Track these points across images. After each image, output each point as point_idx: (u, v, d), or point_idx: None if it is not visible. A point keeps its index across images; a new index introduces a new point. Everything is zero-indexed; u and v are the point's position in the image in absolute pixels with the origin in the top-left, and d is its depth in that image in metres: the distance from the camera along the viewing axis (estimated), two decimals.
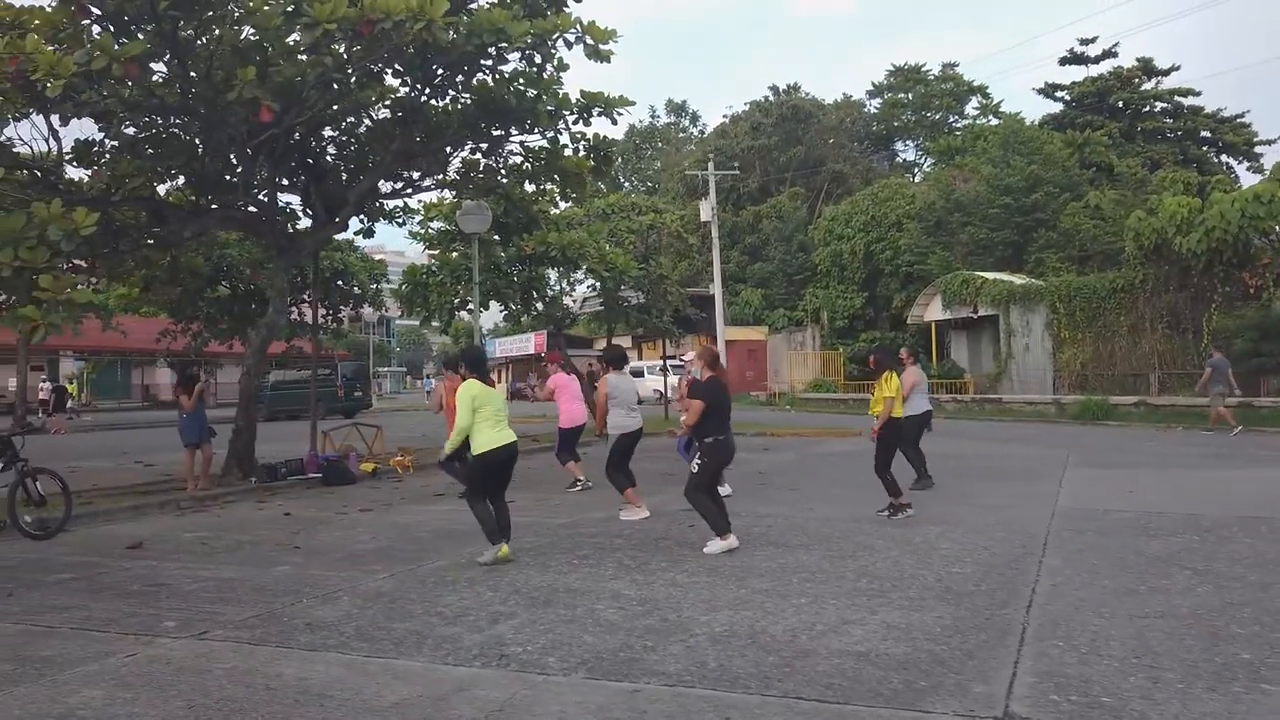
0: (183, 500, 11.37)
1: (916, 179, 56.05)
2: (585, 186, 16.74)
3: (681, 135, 72.83)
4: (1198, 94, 56.75)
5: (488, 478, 7.41)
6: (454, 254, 21.68)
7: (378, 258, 43.77)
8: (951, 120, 62.68)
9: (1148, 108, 56.75)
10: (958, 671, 4.30)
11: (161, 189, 13.47)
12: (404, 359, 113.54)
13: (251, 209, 13.34)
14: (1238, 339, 25.46)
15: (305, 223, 15.01)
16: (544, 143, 14.67)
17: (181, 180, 13.58)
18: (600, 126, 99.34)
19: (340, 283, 26.03)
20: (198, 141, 12.20)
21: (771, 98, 57.77)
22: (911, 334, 42.33)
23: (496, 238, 19.33)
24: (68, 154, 11.96)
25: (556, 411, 11.92)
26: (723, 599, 5.88)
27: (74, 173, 12.43)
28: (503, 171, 15.90)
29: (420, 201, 18.00)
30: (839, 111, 59.17)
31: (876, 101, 62.59)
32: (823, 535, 8.15)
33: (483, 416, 7.29)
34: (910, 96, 62.02)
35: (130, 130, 12.13)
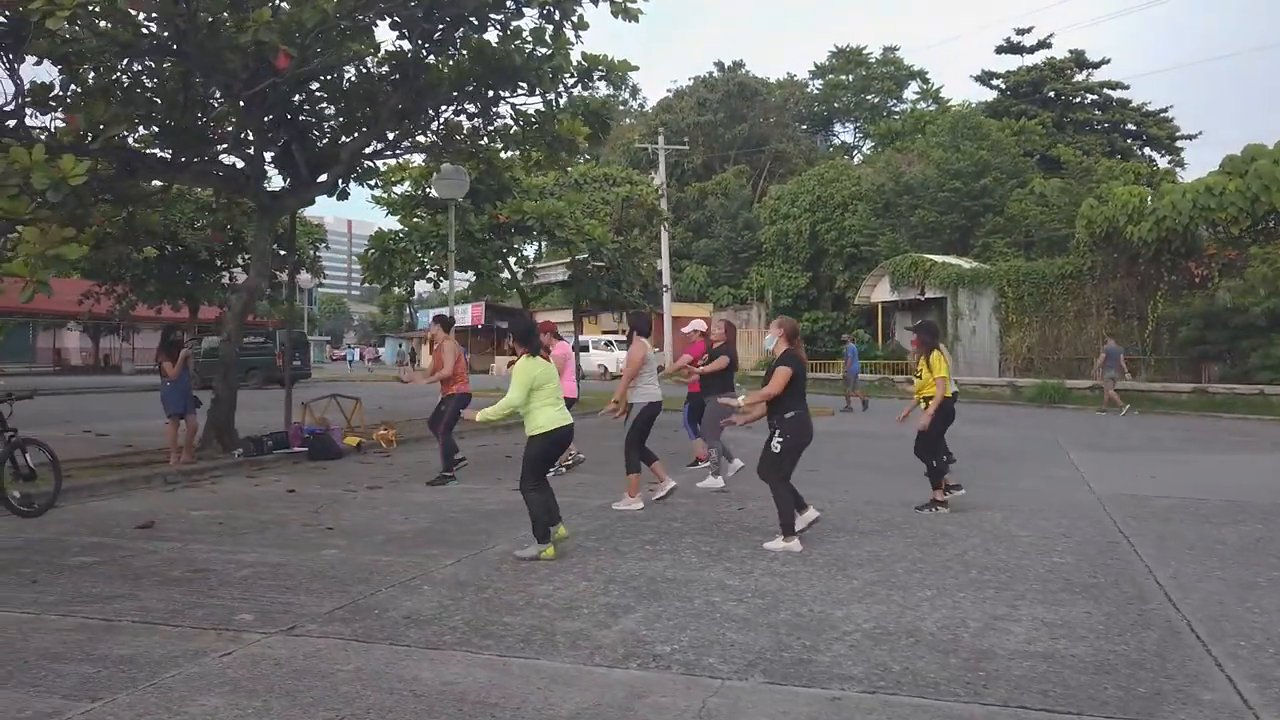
0: (169, 474, 10.59)
1: (856, 161, 56.52)
2: (576, 153, 16.21)
3: (621, 108, 72.07)
4: (1126, 88, 58.31)
5: (546, 458, 6.96)
6: (416, 219, 20.86)
7: (315, 223, 42.24)
8: (891, 104, 63.37)
9: (1079, 99, 58.17)
10: (1165, 676, 4.08)
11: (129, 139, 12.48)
12: (325, 328, 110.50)
13: (236, 164, 12.45)
14: (1183, 327, 26.28)
15: (278, 182, 14.16)
16: (540, 106, 14.10)
17: (148, 130, 12.59)
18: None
19: (276, 246, 24.93)
20: (180, 88, 11.28)
21: (717, 74, 57.47)
22: (853, 314, 42.84)
23: (470, 204, 18.62)
24: (26, 98, 10.93)
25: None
26: (842, 591, 5.59)
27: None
28: (486, 135, 15.27)
29: (384, 164, 17.15)
30: (782, 91, 59.23)
31: (818, 82, 62.86)
32: (887, 520, 7.94)
33: (543, 396, 6.79)
34: (851, 79, 62.45)
35: (92, 76, 11.13)
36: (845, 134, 65.29)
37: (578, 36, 11.96)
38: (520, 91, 13.56)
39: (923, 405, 8.90)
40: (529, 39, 12.18)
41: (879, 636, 4.68)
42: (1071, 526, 7.59)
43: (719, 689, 3.98)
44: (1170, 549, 6.71)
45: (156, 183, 13.01)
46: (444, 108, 13.62)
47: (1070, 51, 58.85)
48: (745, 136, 54.54)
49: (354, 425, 15.05)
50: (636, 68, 13.97)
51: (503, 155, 17.21)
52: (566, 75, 13.28)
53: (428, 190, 20.55)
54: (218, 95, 11.23)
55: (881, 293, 37.60)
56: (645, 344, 9.36)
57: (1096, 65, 58.54)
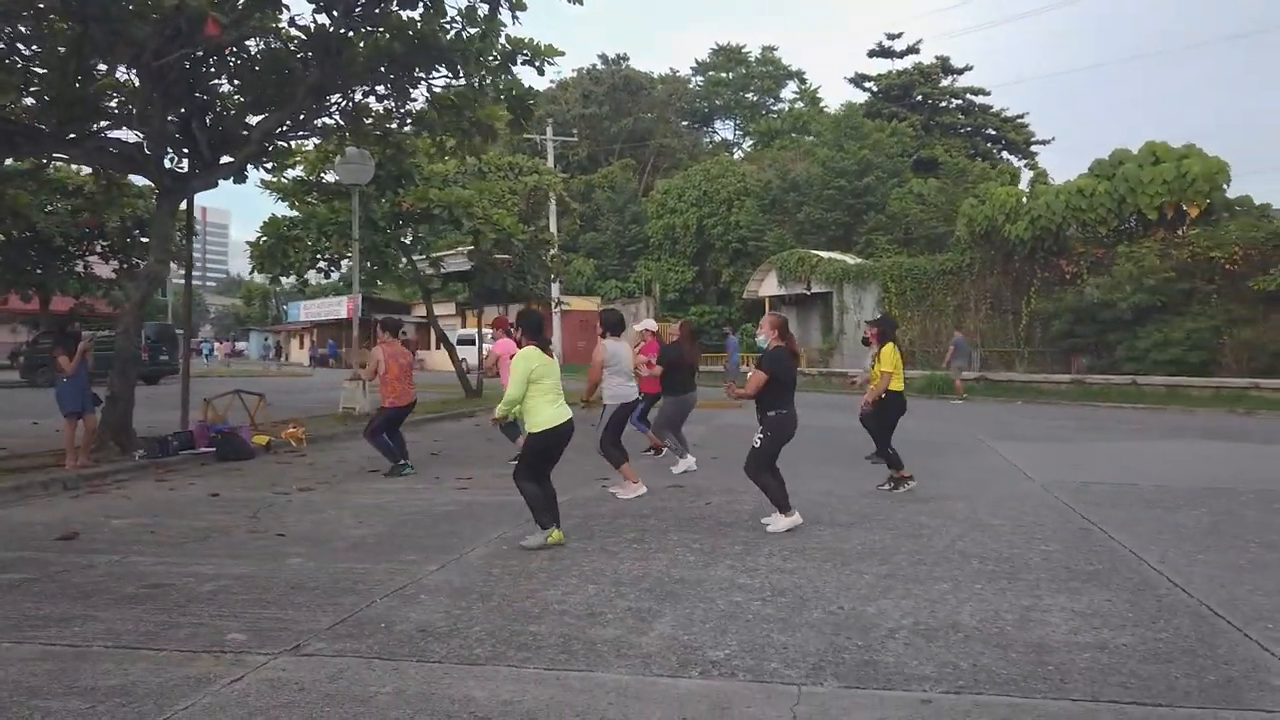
0: (68, 479, 9.67)
1: (736, 157, 57.41)
2: (494, 140, 15.73)
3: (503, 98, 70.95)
4: (987, 94, 61.18)
5: (546, 457, 6.66)
6: (309, 205, 19.84)
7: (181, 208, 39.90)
8: (769, 103, 64.66)
9: (945, 103, 60.76)
10: (1225, 662, 4.14)
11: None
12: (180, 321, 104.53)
13: (132, 139, 11.47)
14: (1055, 320, 27.72)
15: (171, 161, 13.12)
16: (460, 89, 13.59)
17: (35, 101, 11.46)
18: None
19: (139, 233, 23.31)
20: (73, 55, 10.27)
21: (601, 66, 57.26)
22: (739, 308, 43.51)
23: (374, 190, 17.86)
24: None
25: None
26: (859, 586, 5.50)
27: None
28: (398, 119, 14.64)
29: (297, 145, 16.20)
30: (665, 86, 59.55)
31: (700, 79, 63.51)
32: (859, 512, 7.95)
33: (542, 390, 6.53)
34: (731, 76, 63.38)
35: None
36: (725, 131, 66.24)
37: (515, 18, 11.52)
38: (438, 73, 13.05)
39: (883, 395, 9.01)
40: (459, 18, 11.68)
41: (926, 633, 4.60)
42: (1037, 515, 7.77)
43: (801, 696, 3.80)
44: (1142, 535, 6.93)
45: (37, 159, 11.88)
46: (357, 88, 12.93)
47: (936, 58, 61.39)
48: (630, 130, 54.56)
49: (259, 423, 14.17)
50: (563, 53, 13.62)
51: (413, 141, 16.53)
52: (490, 57, 12.84)
53: (323, 176, 19.61)
54: (114, 64, 10.25)
55: (769, 287, 38.24)
56: (613, 344, 9.11)
57: (960, 72, 61.29)
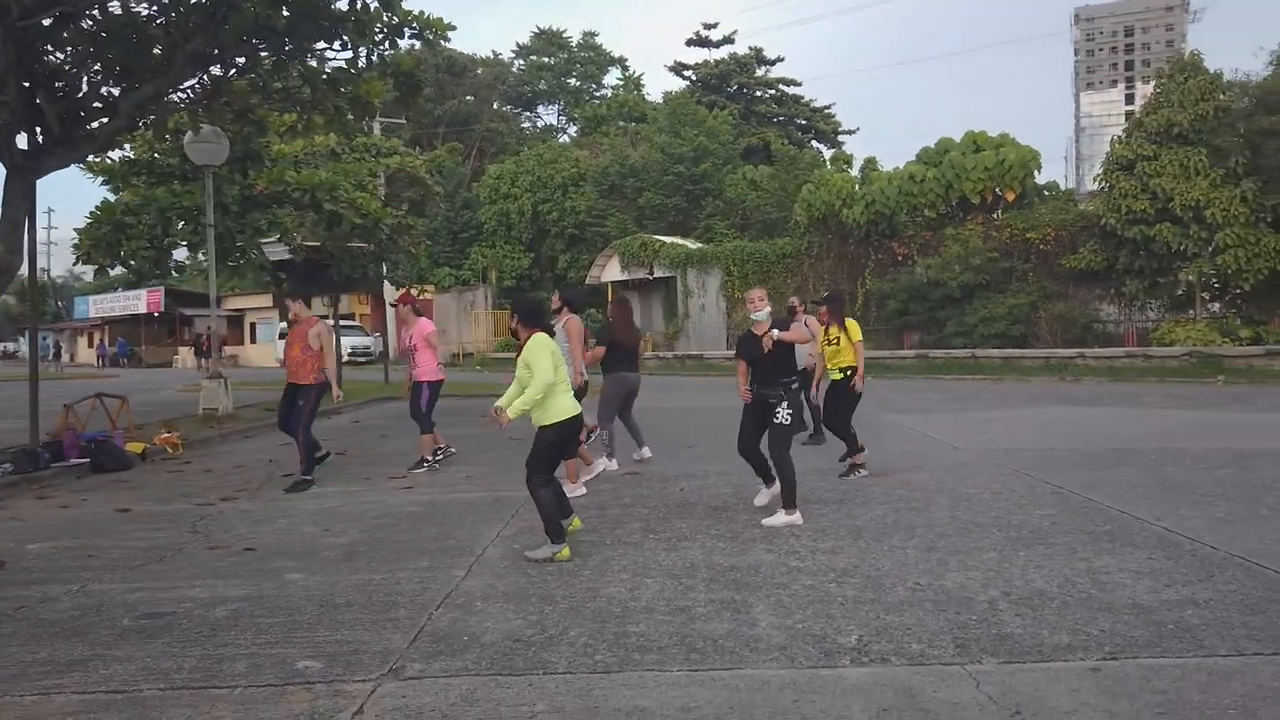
0: None
1: (562, 142, 57.11)
2: (371, 118, 14.86)
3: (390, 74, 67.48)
4: (798, 84, 63.87)
5: (559, 452, 6.30)
6: (136, 187, 18.04)
7: None
8: (591, 88, 64.67)
9: (759, 93, 62.90)
10: None
11: None
12: None
13: None
14: (891, 300, 29.31)
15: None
16: (343, 62, 12.74)
17: None
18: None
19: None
20: None
21: (420, 46, 55.35)
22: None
23: (228, 171, 16.48)
24: None
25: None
26: (911, 561, 5.56)
27: None
28: (267, 93, 13.55)
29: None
30: (488, 69, 58.38)
31: (521, 63, 62.67)
32: (835, 489, 8.09)
33: (561, 377, 6.18)
34: (553, 61, 62.92)
35: None
36: (549, 116, 65.71)
37: None
38: (323, 45, 12.16)
39: (836, 374, 9.09)
40: None
41: (1024, 602, 4.69)
42: (1004, 482, 8.15)
43: (973, 674, 3.77)
44: (1111, 494, 7.39)
45: None
46: (238, 57, 11.84)
47: (750, 48, 63.40)
48: (455, 113, 53.14)
49: (120, 428, 12.77)
50: (454, 27, 13.03)
51: (278, 118, 15.36)
52: (376, 29, 12.09)
53: (155, 155, 17.92)
54: None
55: (611, 272, 38.34)
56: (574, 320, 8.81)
57: (773, 63, 63.66)
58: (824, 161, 35.74)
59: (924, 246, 29.29)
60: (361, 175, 19.27)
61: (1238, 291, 23.29)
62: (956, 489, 7.84)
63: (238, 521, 7.51)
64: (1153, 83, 24.56)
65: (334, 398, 9.67)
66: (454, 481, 9.21)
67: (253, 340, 52.66)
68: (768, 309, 7.08)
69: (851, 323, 9.11)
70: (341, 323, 39.51)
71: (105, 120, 10.97)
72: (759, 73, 62.36)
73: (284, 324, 15.84)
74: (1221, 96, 23.30)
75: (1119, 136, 25.86)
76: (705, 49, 64.12)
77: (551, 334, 6.43)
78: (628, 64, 62.63)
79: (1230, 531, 6.03)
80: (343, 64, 12.70)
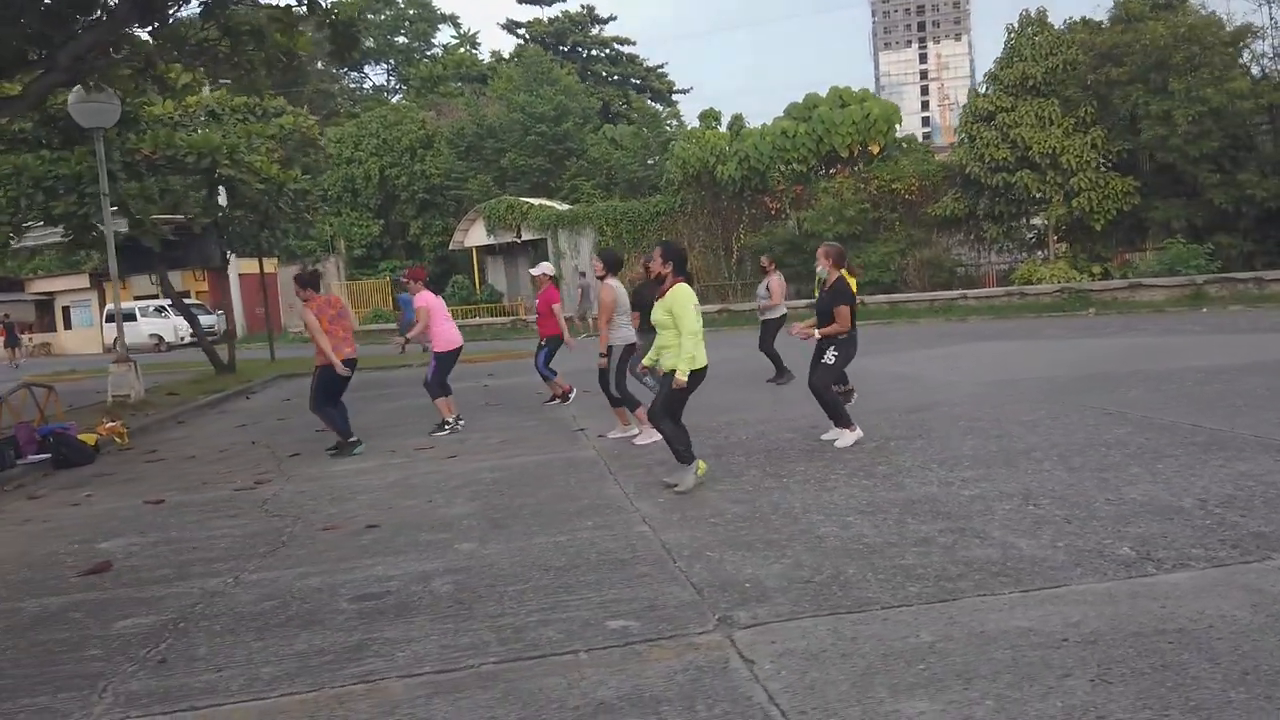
0: None
1: (395, 101, 54.92)
2: (292, 75, 13.85)
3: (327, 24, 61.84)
4: (633, 43, 64.01)
5: (685, 399, 6.27)
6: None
7: None
8: (420, 46, 62.41)
9: (595, 52, 62.68)
10: None
11: None
12: None
13: None
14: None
15: None
16: (277, 10, 11.88)
17: None
18: None
19: None
20: None
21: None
22: (432, 260, 42.21)
23: (117, 133, 14.98)
24: None
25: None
26: (1073, 483, 5.87)
27: None
28: (172, 45, 12.44)
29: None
30: (307, 24, 55.10)
31: None
32: (911, 428, 8.33)
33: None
34: (380, 18, 60.22)
35: None
36: (378, 76, 62.97)
37: None
38: None
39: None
40: None
41: (1227, 505, 5.07)
42: (1043, 408, 8.68)
43: (1243, 574, 4.07)
44: (1156, 410, 8.04)
45: None
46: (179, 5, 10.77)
47: (583, 6, 62.90)
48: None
49: (48, 418, 11.52)
50: None
51: (179, 76, 14.04)
52: None
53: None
54: None
55: (476, 237, 37.44)
56: (615, 284, 8.62)
57: (606, 21, 63.44)
58: (702, 120, 35.68)
59: (796, 200, 30.24)
60: (265, 137, 17.89)
61: (1088, 232, 25.35)
62: (1010, 417, 8.30)
63: (305, 501, 6.99)
64: (1005, 37, 26.20)
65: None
66: (494, 448, 8.89)
67: (67, 326, 48.13)
68: (822, 269, 7.37)
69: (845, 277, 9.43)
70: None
71: (39, 75, 9.73)
72: (594, 32, 62.05)
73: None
74: (1069, 50, 25.15)
75: (975, 89, 27.49)
76: (538, 6, 63.14)
77: (691, 283, 6.34)
78: (460, 21, 60.69)
79: None
80: (276, 13, 11.83)
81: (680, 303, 6.06)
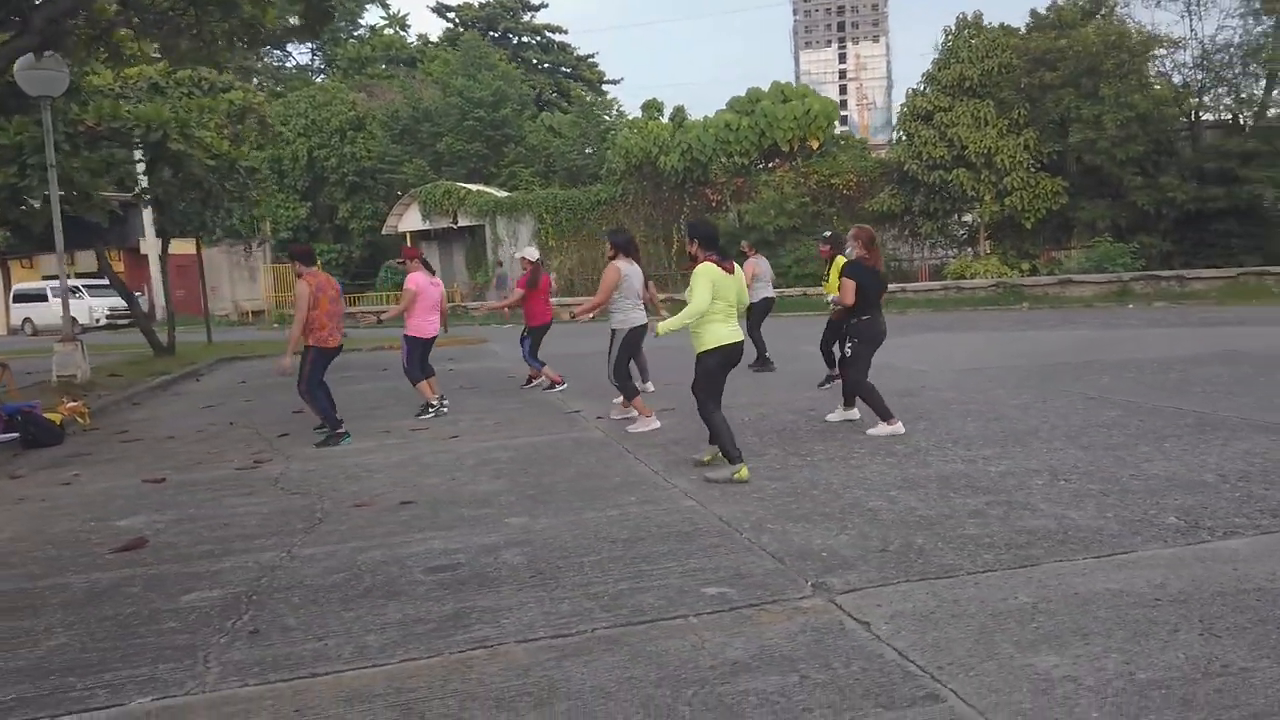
0: None
1: (319, 81, 53.54)
2: (257, 46, 13.47)
3: None
4: (564, 31, 63.68)
5: (717, 379, 6.33)
6: None
7: None
8: (346, 26, 60.87)
9: (526, 38, 62.19)
10: None
11: None
12: None
13: None
14: (745, 239, 30.41)
15: None
16: None
17: None
18: None
19: None
20: None
21: None
22: (360, 246, 41.47)
23: (64, 102, 14.32)
24: None
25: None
26: (1092, 460, 6.16)
27: None
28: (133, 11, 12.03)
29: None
30: None
31: None
32: (915, 411, 8.56)
33: (717, 309, 6.20)
34: None
35: None
36: (301, 55, 61.23)
37: None
38: None
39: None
40: None
41: (1251, 478, 5.41)
42: (1026, 393, 9.03)
43: None
44: (1138, 395, 8.45)
45: None
46: None
47: None
48: (168, 47, 48.10)
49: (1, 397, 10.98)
50: None
51: (134, 45, 13.52)
52: None
53: None
54: None
55: (410, 221, 36.82)
56: (625, 265, 8.63)
57: (536, 8, 62.98)
58: (644, 110, 35.62)
59: (736, 192, 30.60)
60: (218, 113, 17.26)
61: (1018, 230, 26.28)
62: (998, 401, 8.63)
63: (318, 480, 6.86)
64: (941, 39, 26.96)
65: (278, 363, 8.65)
66: (491, 429, 8.84)
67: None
68: (850, 250, 7.53)
69: (839, 261, 9.59)
70: (86, 282, 35.48)
71: (11, 37, 9.26)
72: (525, 18, 61.52)
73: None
74: (1003, 54, 26.00)
75: (914, 89, 28.19)
76: None
77: (727, 268, 6.38)
78: (389, 3, 59.42)
79: None
80: None
81: (694, 278, 6.15)
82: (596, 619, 3.82)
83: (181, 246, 40.47)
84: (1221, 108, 25.57)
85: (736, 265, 6.47)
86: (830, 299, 8.79)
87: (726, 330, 6.27)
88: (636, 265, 8.83)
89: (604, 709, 3.06)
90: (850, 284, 7.45)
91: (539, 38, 62.28)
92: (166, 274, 20.23)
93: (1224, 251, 24.23)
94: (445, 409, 9.74)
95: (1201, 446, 6.28)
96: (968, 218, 27.50)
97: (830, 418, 8.05)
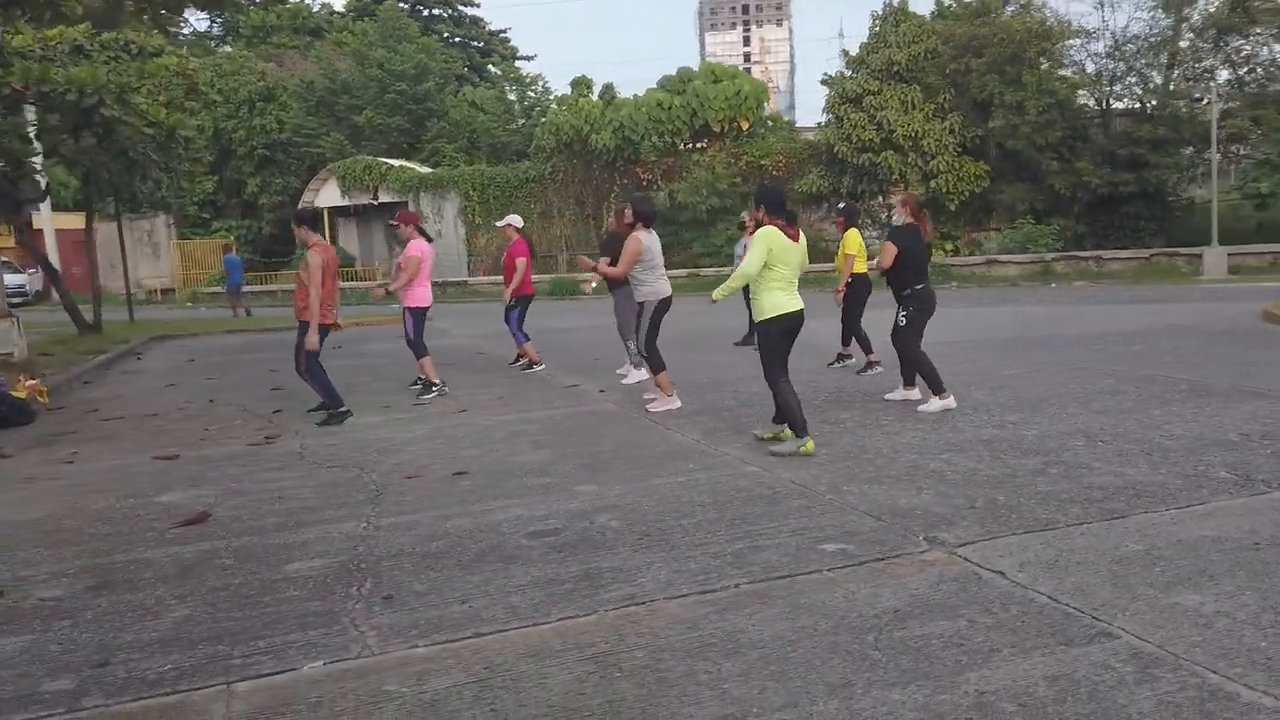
0: None
1: (223, 50, 51.36)
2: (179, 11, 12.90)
3: None
4: (476, 4, 62.49)
5: (781, 348, 6.34)
6: None
7: None
8: None
9: (438, 11, 60.83)
10: None
11: None
12: None
13: None
14: (747, 210, 30.47)
15: None
16: None
17: None
18: None
19: None
20: None
21: None
22: (267, 221, 40.11)
23: None
24: None
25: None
26: (1117, 423, 6.52)
27: None
28: None
29: None
30: None
31: None
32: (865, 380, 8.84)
33: (776, 275, 6.21)
34: None
35: None
36: (200, 22, 58.47)
37: None
38: None
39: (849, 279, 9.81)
40: None
41: (1223, 446, 5.81)
42: (1010, 366, 9.44)
43: None
44: (1120, 364, 8.92)
45: None
46: None
47: None
48: (96, 14, 45.58)
49: None
50: None
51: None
52: None
53: None
54: None
55: (329, 197, 35.79)
56: (646, 236, 8.54)
57: None
58: (575, 86, 35.12)
59: (667, 172, 30.75)
60: (155, 79, 16.39)
61: (943, 211, 27.17)
62: (990, 371, 9.02)
63: (348, 454, 6.71)
64: (870, 25, 27.59)
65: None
66: (498, 405, 8.78)
67: None
68: (899, 216, 7.64)
69: (852, 233, 9.77)
70: None
71: None
72: None
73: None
74: (929, 40, 26.77)
75: (842, 72, 28.74)
76: None
77: (792, 235, 6.36)
78: None
79: (1260, 379, 7.70)
80: None
81: (754, 241, 6.16)
82: (732, 576, 3.90)
83: (71, 222, 38.61)
84: (1130, 96, 26.89)
85: (802, 233, 6.43)
86: (873, 264, 8.58)
87: (785, 298, 6.20)
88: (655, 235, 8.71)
89: (795, 655, 3.14)
90: (892, 248, 7.46)
91: (450, 10, 61.00)
92: (93, 247, 19.14)
93: (1132, 233, 25.58)
94: (446, 390, 9.50)
95: (1208, 410, 6.70)
96: (894, 199, 28.27)
97: (890, 397, 7.99)
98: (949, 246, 26.79)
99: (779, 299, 6.25)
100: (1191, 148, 25.76)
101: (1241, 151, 26.94)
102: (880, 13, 27.71)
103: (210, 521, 5.09)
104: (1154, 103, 26.27)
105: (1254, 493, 4.69)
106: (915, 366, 7.54)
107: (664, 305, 8.42)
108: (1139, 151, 24.76)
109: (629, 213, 8.49)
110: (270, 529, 4.89)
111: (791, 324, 6.31)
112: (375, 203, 35.12)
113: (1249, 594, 3.46)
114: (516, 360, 11.37)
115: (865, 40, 27.85)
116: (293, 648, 3.39)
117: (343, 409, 8.16)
